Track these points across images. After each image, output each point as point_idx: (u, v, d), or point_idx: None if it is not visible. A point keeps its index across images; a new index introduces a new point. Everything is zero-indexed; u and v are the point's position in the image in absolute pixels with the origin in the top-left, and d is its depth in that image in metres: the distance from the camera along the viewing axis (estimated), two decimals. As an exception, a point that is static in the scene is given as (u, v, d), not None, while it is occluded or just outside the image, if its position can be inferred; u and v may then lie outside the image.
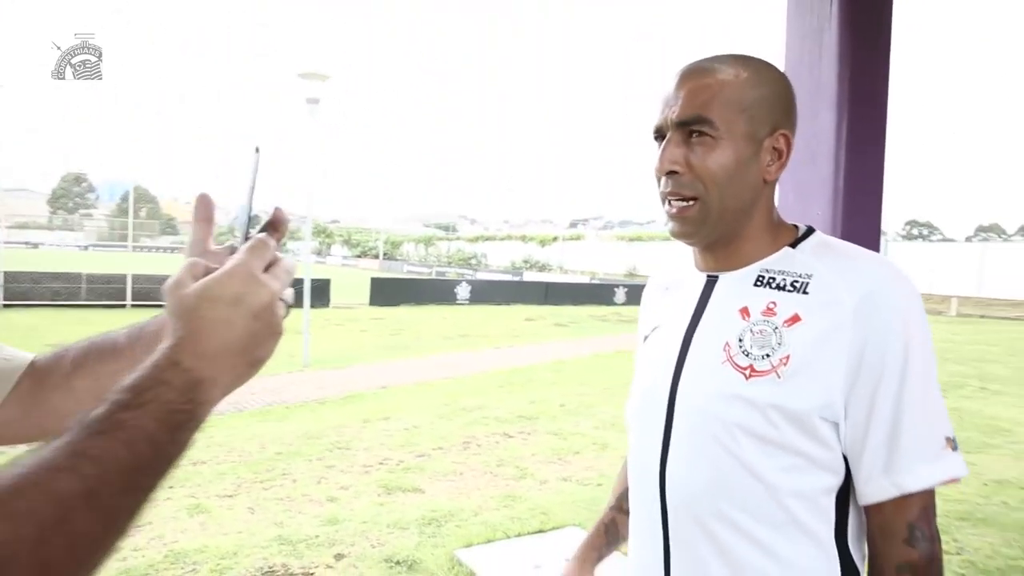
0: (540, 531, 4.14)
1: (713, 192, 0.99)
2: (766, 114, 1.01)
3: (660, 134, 1.03)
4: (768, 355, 0.96)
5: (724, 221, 1.02)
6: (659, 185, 1.04)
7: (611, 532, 1.33)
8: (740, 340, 0.99)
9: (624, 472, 1.30)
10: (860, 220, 2.05)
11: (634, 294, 18.93)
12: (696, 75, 1.01)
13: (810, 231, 1.08)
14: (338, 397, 8.20)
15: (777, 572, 0.96)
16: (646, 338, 1.17)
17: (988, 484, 5.43)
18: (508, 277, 33.03)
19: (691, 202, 1.00)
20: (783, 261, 1.03)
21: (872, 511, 0.98)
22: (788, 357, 0.95)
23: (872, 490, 0.96)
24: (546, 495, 4.92)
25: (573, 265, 46.33)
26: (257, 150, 0.73)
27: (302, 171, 14.26)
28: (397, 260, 60.09)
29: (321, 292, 18.57)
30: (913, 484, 0.94)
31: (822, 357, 0.94)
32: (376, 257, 63.07)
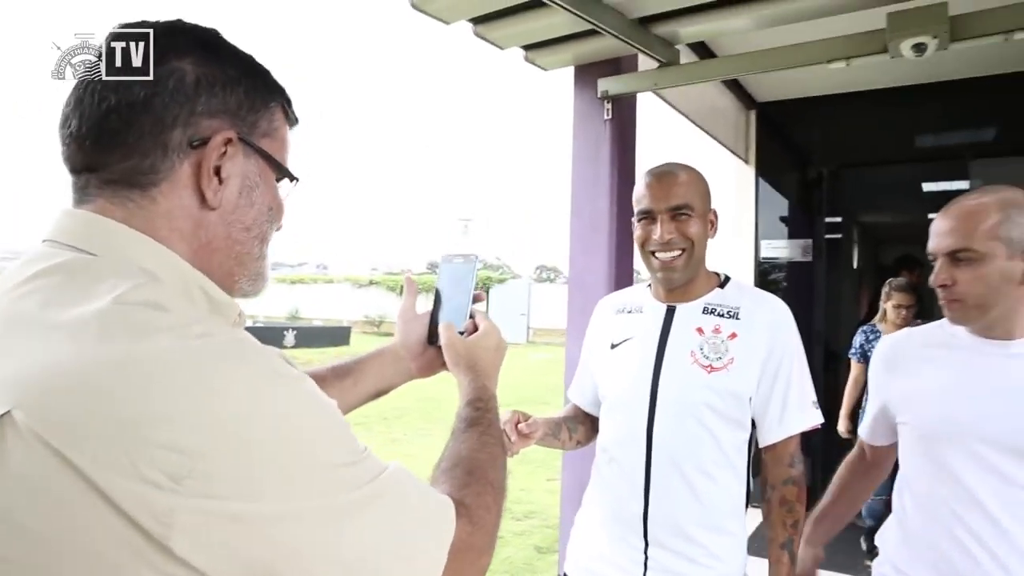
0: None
1: (694, 248, 1.49)
2: (707, 199, 1.53)
3: (650, 216, 1.50)
4: (720, 358, 1.46)
5: (693, 267, 1.51)
6: (647, 246, 1.52)
7: (557, 427, 1.67)
8: (701, 349, 1.48)
9: (571, 408, 1.79)
10: (623, 267, 3.07)
11: (304, 336, 17.82)
12: (670, 176, 1.50)
13: (727, 278, 1.59)
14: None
15: (716, 491, 1.47)
16: (614, 345, 1.61)
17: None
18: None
19: (680, 253, 1.48)
20: (718, 297, 1.54)
21: (767, 449, 1.52)
22: (733, 359, 1.46)
23: (771, 435, 1.50)
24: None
25: (230, 309, 43.49)
26: (477, 257, 1.08)
27: None
28: None
29: None
30: (794, 429, 1.49)
31: (750, 357, 1.46)
32: None
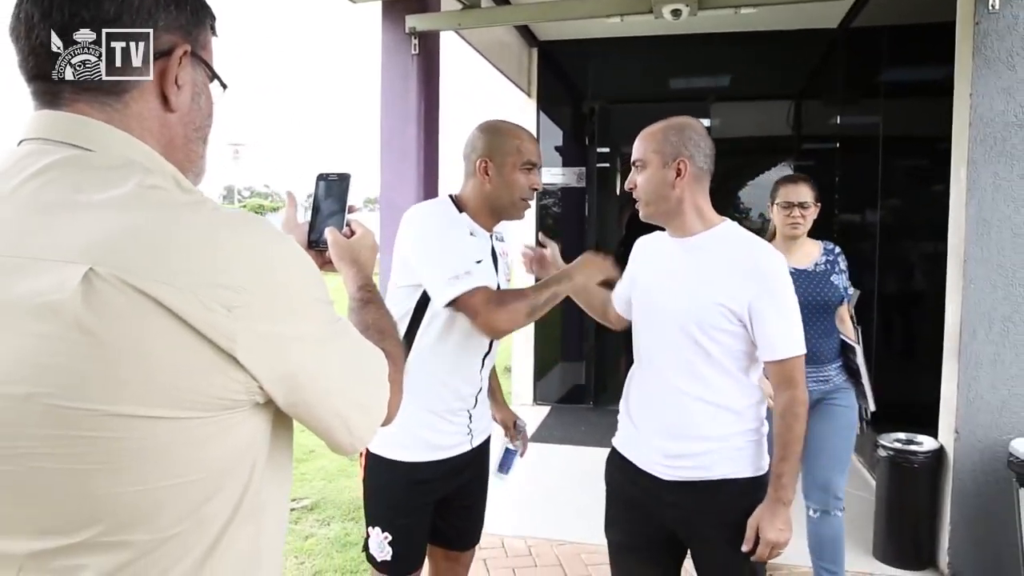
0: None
1: None
2: None
3: (535, 167, 1.86)
4: (508, 272, 1.98)
5: None
6: (524, 192, 1.84)
7: None
8: (504, 269, 1.94)
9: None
10: (429, 190, 3.36)
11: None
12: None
13: None
14: None
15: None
16: (479, 261, 1.81)
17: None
18: None
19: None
20: (497, 228, 1.95)
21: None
22: (510, 269, 2.01)
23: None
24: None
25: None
26: (350, 176, 1.23)
27: None
28: None
29: None
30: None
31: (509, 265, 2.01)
32: None
